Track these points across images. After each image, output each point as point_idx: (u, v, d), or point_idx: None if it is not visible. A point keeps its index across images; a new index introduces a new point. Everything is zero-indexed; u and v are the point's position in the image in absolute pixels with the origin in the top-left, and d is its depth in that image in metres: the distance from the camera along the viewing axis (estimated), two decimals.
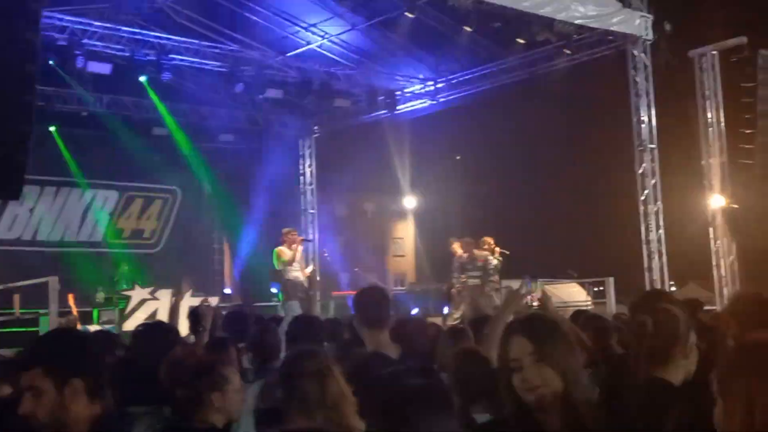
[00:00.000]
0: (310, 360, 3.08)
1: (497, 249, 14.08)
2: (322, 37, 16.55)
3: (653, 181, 14.76)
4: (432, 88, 18.56)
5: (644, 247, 14.73)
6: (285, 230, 13.40)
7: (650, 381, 3.02)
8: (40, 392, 2.64)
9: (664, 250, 14.72)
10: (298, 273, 12.98)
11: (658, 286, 14.47)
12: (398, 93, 18.45)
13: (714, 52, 14.74)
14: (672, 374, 3.08)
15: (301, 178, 20.67)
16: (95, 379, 2.74)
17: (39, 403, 2.64)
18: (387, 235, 22.61)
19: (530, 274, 4.61)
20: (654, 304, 3.54)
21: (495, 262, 13.92)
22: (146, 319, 14.09)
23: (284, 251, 12.96)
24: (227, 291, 18.37)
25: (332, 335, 7.04)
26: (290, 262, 12.85)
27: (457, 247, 14.06)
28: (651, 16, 14.53)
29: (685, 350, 3.20)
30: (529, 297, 3.71)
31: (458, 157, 15.76)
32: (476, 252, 13.92)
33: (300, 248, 13.24)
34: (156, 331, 4.55)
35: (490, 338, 3.61)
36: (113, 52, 14.31)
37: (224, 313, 6.96)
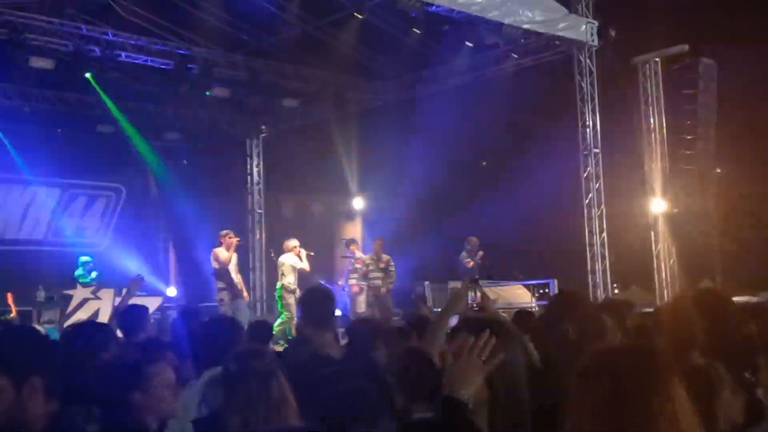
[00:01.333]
0: (254, 360, 3.08)
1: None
2: (271, 35, 16.48)
3: (597, 185, 15.02)
4: (381, 88, 18.61)
5: (588, 249, 14.98)
6: (223, 232, 13.55)
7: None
8: None
9: (607, 253, 14.98)
10: (235, 275, 13.19)
11: (601, 289, 14.76)
12: (347, 93, 18.46)
13: (657, 60, 15.09)
14: None
15: (249, 177, 20.54)
16: (52, 378, 2.70)
17: None
18: (335, 236, 22.51)
19: (473, 277, 4.64)
20: (576, 310, 3.59)
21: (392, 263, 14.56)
22: (88, 318, 13.88)
23: (221, 252, 13.09)
24: (171, 292, 18.15)
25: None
26: (226, 263, 12.94)
27: (355, 248, 14.35)
28: (596, 23, 14.80)
29: None
30: (470, 298, 3.74)
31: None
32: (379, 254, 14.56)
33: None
34: (88, 330, 4.49)
35: (431, 338, 3.65)
36: (57, 47, 14.05)
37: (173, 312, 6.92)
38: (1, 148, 16.49)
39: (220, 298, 13.27)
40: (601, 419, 1.81)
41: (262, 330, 7.06)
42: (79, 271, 15.13)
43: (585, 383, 1.89)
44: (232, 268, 13.33)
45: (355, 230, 22.61)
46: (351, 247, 15.87)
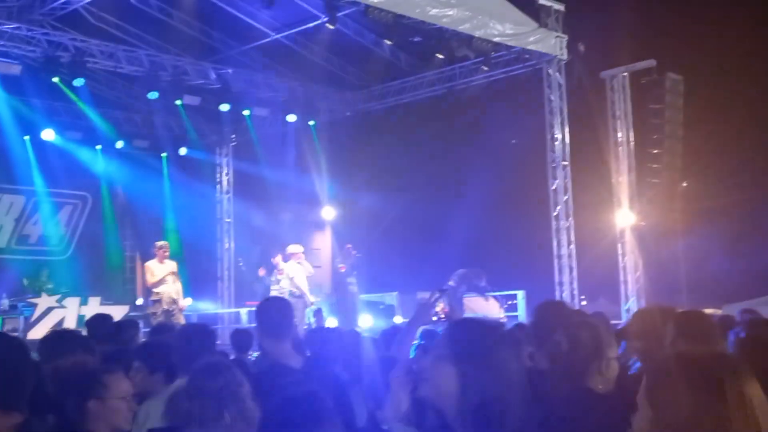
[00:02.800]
0: (215, 375, 3.04)
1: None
2: (242, 44, 16.43)
3: (565, 198, 15.13)
4: (351, 99, 18.62)
5: (555, 261, 15.08)
6: (158, 244, 13.52)
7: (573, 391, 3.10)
8: None
9: (575, 265, 15.09)
10: (166, 287, 13.21)
11: (569, 301, 14.84)
12: (317, 103, 18.45)
13: (625, 74, 15.27)
14: (593, 385, 3.17)
15: (218, 186, 20.43)
16: (12, 387, 2.64)
17: None
18: (304, 245, 22.44)
19: (440, 287, 4.66)
20: (566, 320, 3.60)
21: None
22: (53, 327, 13.69)
23: (154, 265, 13.23)
24: (139, 301, 17.96)
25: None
26: (160, 277, 13.15)
27: (278, 260, 14.65)
28: (566, 37, 14.94)
29: (603, 364, 3.30)
30: (437, 308, 3.73)
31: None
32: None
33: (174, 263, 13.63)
34: (62, 339, 4.44)
35: (400, 347, 3.64)
36: (24, 52, 13.87)
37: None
38: None
39: (153, 311, 13.19)
40: (685, 416, 1.96)
41: (243, 338, 7.03)
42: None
43: (670, 384, 2.02)
44: (171, 278, 13.28)
45: (324, 240, 22.56)
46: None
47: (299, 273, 14.33)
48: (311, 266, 15.02)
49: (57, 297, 14.06)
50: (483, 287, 15.29)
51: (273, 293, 13.78)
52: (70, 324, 14.08)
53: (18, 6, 14.31)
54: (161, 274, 13.23)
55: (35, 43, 13.95)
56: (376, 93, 18.16)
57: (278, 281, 14.48)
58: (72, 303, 14.20)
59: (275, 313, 4.47)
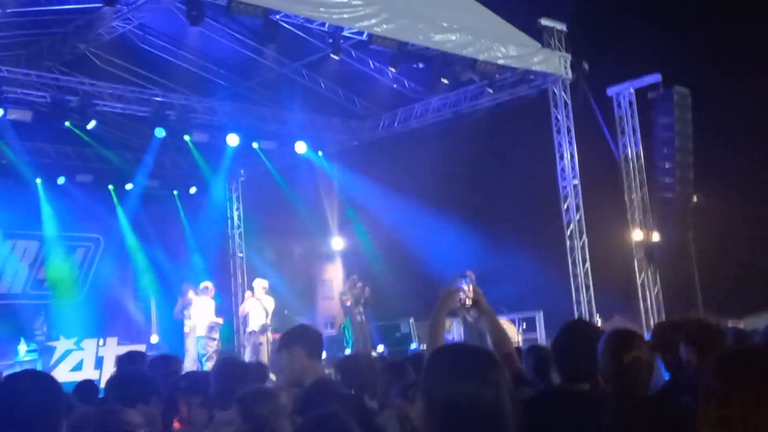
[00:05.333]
0: (264, 402, 3.05)
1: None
2: (247, 79, 16.55)
3: (578, 217, 15.10)
4: (358, 128, 18.70)
5: (572, 280, 15.02)
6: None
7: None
8: None
9: (591, 284, 15.02)
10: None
11: (587, 320, 14.75)
12: (324, 133, 18.55)
13: (631, 90, 15.32)
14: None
15: (229, 222, 20.47)
16: (50, 426, 2.65)
17: None
18: (315, 277, 22.45)
19: (463, 273, 4.60)
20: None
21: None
22: (71, 370, 13.70)
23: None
24: (154, 339, 17.93)
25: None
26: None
27: (191, 295, 14.99)
28: (569, 56, 15.00)
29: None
30: (462, 295, 3.69)
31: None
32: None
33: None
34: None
35: (432, 342, 3.61)
36: (34, 98, 14.00)
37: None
38: None
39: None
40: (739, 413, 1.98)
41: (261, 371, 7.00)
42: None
43: (722, 382, 2.04)
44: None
45: (335, 270, 22.54)
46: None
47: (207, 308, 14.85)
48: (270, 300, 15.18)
49: (74, 339, 14.06)
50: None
51: (186, 329, 14.51)
52: (89, 365, 14.09)
53: (27, 53, 14.48)
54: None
55: (44, 89, 14.09)
56: (383, 121, 18.23)
57: (189, 316, 14.71)
58: (89, 344, 14.20)
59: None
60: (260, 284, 15.12)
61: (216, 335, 14.48)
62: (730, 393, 1.98)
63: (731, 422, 1.95)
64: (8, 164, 16.14)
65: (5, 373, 12.17)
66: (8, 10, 12.64)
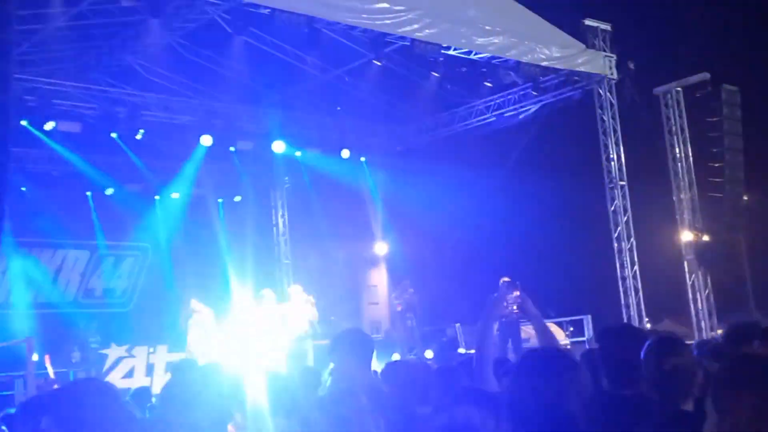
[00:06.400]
0: (348, 401, 3.09)
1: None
2: (291, 87, 16.65)
3: (625, 218, 14.92)
4: (401, 133, 18.71)
5: (620, 283, 14.82)
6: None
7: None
8: None
9: (640, 286, 14.82)
10: None
11: (636, 323, 14.55)
12: (367, 139, 18.58)
13: (678, 89, 15.09)
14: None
15: (275, 229, 20.60)
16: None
17: None
18: (361, 282, 22.48)
19: (508, 280, 4.57)
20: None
21: None
22: (123, 377, 13.90)
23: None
24: None
25: None
26: None
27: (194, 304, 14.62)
28: (614, 56, 14.84)
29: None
30: (509, 300, 3.71)
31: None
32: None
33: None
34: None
35: (482, 350, 3.61)
36: (83, 110, 14.25)
37: None
38: (31, 213, 16.59)
39: None
40: (748, 418, 1.99)
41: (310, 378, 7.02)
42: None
43: (733, 388, 2.04)
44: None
45: (380, 276, 22.55)
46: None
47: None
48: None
49: (126, 347, 14.26)
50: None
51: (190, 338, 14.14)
52: (140, 372, 14.28)
53: (76, 66, 14.75)
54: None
55: (93, 101, 14.34)
56: (426, 126, 18.22)
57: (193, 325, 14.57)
58: (141, 352, 14.40)
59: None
60: (297, 290, 15.10)
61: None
62: (739, 399, 1.96)
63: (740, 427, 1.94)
64: (59, 175, 16.43)
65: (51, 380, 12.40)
66: (58, 24, 12.90)
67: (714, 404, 2.02)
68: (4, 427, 5.41)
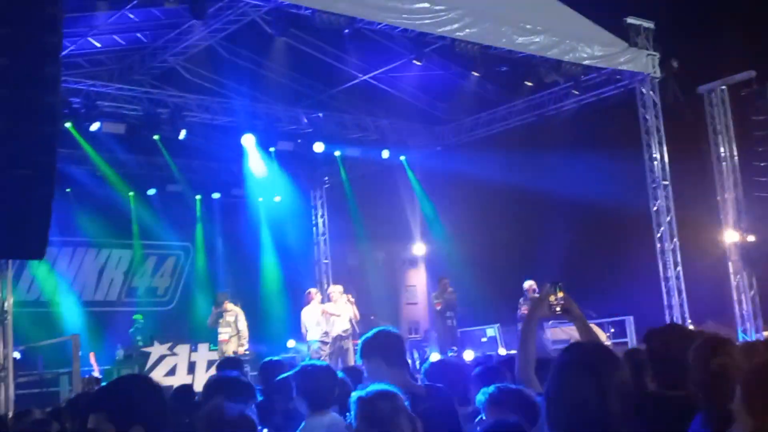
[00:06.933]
0: (385, 400, 3.09)
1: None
2: (331, 87, 16.73)
3: (668, 218, 14.74)
4: (441, 133, 18.68)
5: (663, 284, 14.64)
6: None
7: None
8: None
9: (683, 287, 14.63)
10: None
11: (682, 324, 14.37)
12: (407, 139, 18.59)
13: (723, 87, 14.86)
14: None
15: (314, 228, 20.71)
16: (156, 427, 2.73)
17: None
18: (399, 282, 22.51)
19: (552, 279, 4.56)
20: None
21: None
22: (165, 374, 14.07)
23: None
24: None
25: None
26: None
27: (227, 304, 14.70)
28: (657, 54, 14.66)
29: None
30: (553, 302, 3.70)
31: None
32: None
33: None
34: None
35: (524, 352, 3.61)
36: (127, 112, 14.46)
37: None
38: (76, 213, 16.87)
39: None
40: None
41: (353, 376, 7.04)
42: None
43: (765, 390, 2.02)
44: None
45: (419, 276, 22.55)
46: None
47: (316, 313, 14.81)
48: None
49: (169, 345, 14.43)
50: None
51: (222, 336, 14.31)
52: (182, 370, 14.44)
53: (119, 68, 14.98)
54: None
55: (137, 102, 14.53)
56: (466, 125, 18.17)
57: (229, 323, 14.58)
58: (183, 350, 14.57)
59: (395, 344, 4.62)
60: (337, 290, 15.15)
61: (329, 340, 14.51)
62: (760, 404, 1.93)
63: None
64: (103, 176, 16.68)
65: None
66: (101, 27, 13.10)
67: (744, 406, 1.98)
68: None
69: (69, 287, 17.65)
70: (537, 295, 15.51)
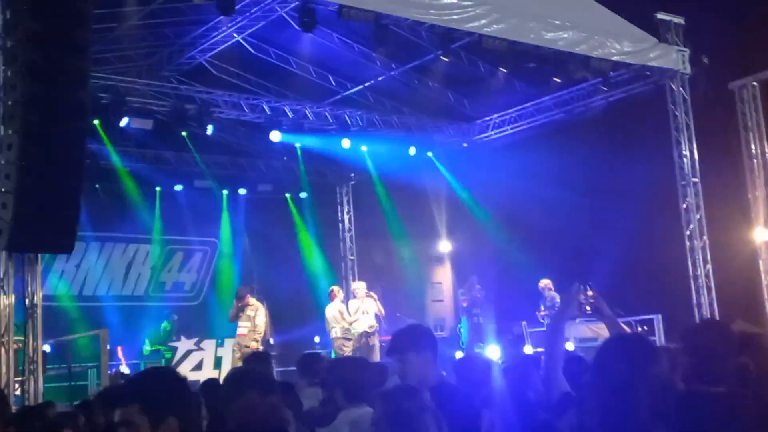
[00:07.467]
0: (410, 398, 3.06)
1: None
2: (357, 84, 16.72)
3: (698, 216, 14.58)
4: (467, 130, 18.62)
5: (692, 282, 14.49)
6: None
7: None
8: (136, 428, 2.66)
9: (713, 285, 14.47)
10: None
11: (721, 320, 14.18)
12: (434, 136, 18.54)
13: (755, 83, 14.66)
14: None
15: (340, 225, 20.73)
16: (189, 419, 2.74)
17: None
18: (425, 279, 22.47)
19: (581, 279, 4.51)
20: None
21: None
22: (191, 369, 14.16)
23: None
24: (271, 340, 18.33)
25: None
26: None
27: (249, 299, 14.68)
28: (688, 50, 14.50)
29: None
30: (582, 299, 3.68)
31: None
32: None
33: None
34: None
35: (548, 343, 3.58)
36: (155, 108, 14.55)
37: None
38: (104, 208, 17.01)
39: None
40: None
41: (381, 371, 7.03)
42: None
43: None
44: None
45: (444, 273, 22.50)
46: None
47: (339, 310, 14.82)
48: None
49: (195, 340, 14.53)
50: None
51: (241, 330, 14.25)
52: (208, 365, 14.53)
53: (147, 64, 15.07)
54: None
55: (165, 98, 14.61)
56: (493, 122, 18.09)
57: (249, 317, 14.54)
58: (209, 345, 14.66)
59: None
60: (361, 287, 15.18)
61: (351, 336, 14.53)
62: None
63: None
64: (131, 171, 16.80)
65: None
66: (130, 23, 13.19)
67: None
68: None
69: (97, 282, 17.79)
70: (553, 293, 15.47)
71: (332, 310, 14.66)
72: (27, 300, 9.71)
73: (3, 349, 9.24)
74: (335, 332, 14.50)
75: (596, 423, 2.28)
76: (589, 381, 2.37)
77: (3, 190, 8.74)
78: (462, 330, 16.41)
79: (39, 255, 9.87)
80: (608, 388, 2.28)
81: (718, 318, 14.42)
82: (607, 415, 2.26)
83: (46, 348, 12.27)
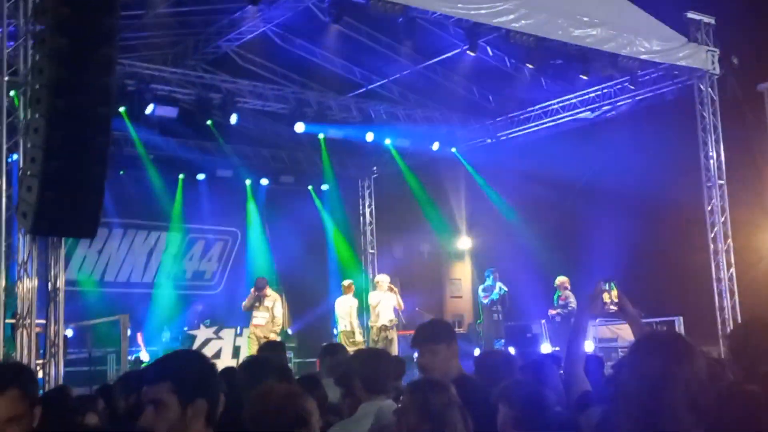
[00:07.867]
0: (438, 392, 3.05)
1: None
2: (382, 77, 16.69)
3: (723, 218, 14.42)
4: (492, 126, 18.52)
5: (714, 285, 14.35)
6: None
7: None
8: (164, 406, 2.65)
9: (736, 289, 14.32)
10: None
11: (730, 326, 14.05)
12: (457, 131, 18.47)
13: None
14: None
15: (361, 218, 20.72)
16: (216, 403, 2.74)
17: (161, 417, 2.65)
18: (444, 275, 22.43)
19: (608, 278, 4.44)
20: None
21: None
22: (210, 358, 14.19)
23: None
24: (289, 330, 18.37)
25: None
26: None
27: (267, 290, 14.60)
28: (717, 50, 14.33)
29: None
30: (606, 298, 3.65)
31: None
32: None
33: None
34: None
35: (570, 342, 3.55)
36: (180, 96, 14.58)
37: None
38: (127, 195, 17.08)
39: None
40: None
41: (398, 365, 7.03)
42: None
43: None
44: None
45: (464, 269, 22.44)
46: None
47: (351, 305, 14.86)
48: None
49: (214, 329, 14.58)
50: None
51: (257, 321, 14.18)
52: (227, 354, 14.57)
53: (173, 53, 15.12)
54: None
55: (190, 87, 14.64)
56: (517, 119, 17.99)
57: (267, 308, 14.47)
58: (228, 334, 14.70)
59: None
60: (384, 280, 15.19)
61: (356, 343, 14.51)
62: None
63: None
64: (155, 158, 16.86)
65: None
66: (157, 11, 13.22)
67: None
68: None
69: (119, 268, 17.90)
70: (567, 292, 15.38)
71: (343, 305, 14.67)
72: (49, 284, 9.77)
73: (25, 332, 9.31)
74: (344, 325, 14.54)
75: (625, 421, 2.25)
76: (619, 378, 2.33)
77: (28, 173, 8.79)
78: (480, 327, 16.36)
79: (62, 239, 9.93)
80: (644, 386, 2.24)
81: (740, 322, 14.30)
82: (641, 413, 2.23)
83: (68, 332, 12.37)
